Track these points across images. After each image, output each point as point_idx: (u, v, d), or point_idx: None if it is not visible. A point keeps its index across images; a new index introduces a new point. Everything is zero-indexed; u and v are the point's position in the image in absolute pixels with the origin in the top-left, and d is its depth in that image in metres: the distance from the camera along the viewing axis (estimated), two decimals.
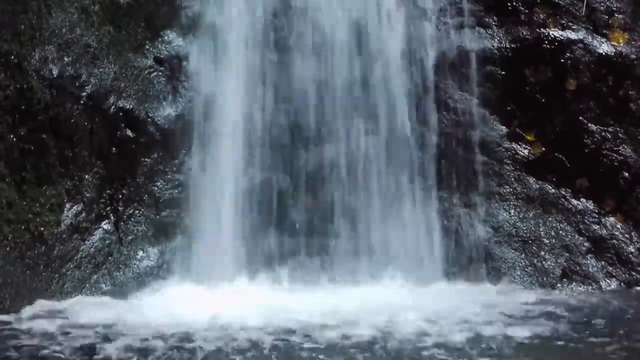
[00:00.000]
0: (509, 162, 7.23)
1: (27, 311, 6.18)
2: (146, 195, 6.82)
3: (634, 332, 5.89)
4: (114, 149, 6.75)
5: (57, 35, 6.62)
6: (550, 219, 7.19)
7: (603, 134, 7.20)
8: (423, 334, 5.72)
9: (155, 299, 6.46)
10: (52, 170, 6.54)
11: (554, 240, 7.15)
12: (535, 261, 7.10)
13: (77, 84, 6.66)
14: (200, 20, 6.92)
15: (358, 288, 6.68)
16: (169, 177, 6.88)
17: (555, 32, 7.23)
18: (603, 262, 7.11)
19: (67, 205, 6.60)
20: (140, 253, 6.76)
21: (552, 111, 7.21)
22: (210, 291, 6.49)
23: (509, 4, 7.27)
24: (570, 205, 7.20)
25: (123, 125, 6.78)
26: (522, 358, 5.42)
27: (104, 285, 6.61)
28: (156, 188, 6.85)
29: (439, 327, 5.86)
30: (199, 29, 6.92)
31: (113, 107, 6.76)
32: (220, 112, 6.84)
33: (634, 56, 7.23)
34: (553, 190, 7.22)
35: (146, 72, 6.89)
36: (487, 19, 7.28)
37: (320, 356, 5.38)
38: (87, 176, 6.67)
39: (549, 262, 7.10)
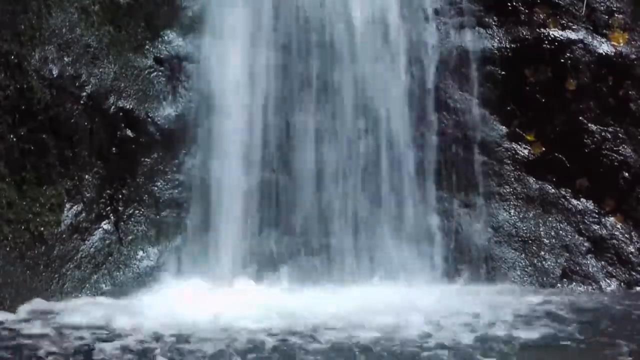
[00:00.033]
0: (509, 162, 7.23)
1: (24, 310, 6.17)
2: (146, 195, 6.82)
3: (639, 333, 5.90)
4: (114, 149, 6.75)
5: (57, 35, 6.62)
6: (550, 219, 7.19)
7: (603, 134, 7.20)
8: (426, 335, 5.72)
9: (155, 299, 6.46)
10: (52, 170, 6.54)
11: (554, 240, 7.15)
12: (535, 261, 7.11)
13: (77, 84, 6.66)
14: (201, 20, 6.91)
15: (358, 288, 6.68)
16: (169, 177, 6.87)
17: (555, 32, 7.23)
18: (603, 262, 7.11)
19: (67, 205, 6.59)
20: (140, 253, 6.76)
21: (552, 111, 7.21)
22: (211, 291, 6.49)
23: (509, 4, 7.27)
24: (570, 205, 7.21)
25: (123, 125, 6.78)
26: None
27: (104, 285, 6.61)
28: (156, 188, 6.85)
29: (442, 328, 5.86)
30: (199, 29, 6.91)
31: (113, 107, 6.76)
32: (221, 112, 6.83)
33: (634, 56, 7.22)
34: (553, 190, 7.22)
35: (146, 72, 6.89)
36: (487, 19, 7.28)
37: (323, 357, 5.38)
38: (87, 176, 6.67)
39: (549, 262, 7.10)
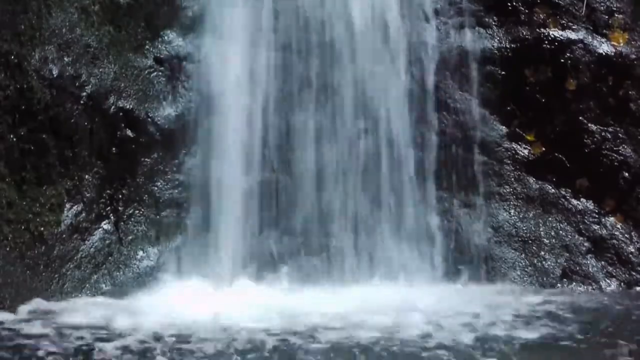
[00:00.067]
0: (509, 162, 7.23)
1: (24, 310, 6.17)
2: (146, 195, 6.82)
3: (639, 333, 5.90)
4: (114, 149, 6.75)
5: (57, 35, 6.62)
6: (550, 219, 7.19)
7: (603, 134, 7.20)
8: (426, 335, 5.70)
9: (155, 299, 6.45)
10: (52, 170, 6.54)
11: (554, 240, 7.15)
12: (535, 261, 7.11)
13: (77, 84, 6.65)
14: (201, 20, 6.91)
15: (358, 288, 6.68)
16: (169, 177, 6.87)
17: (555, 32, 7.23)
18: (603, 262, 7.11)
19: (67, 205, 6.59)
20: (140, 253, 6.75)
21: (552, 111, 7.21)
22: (211, 291, 6.49)
23: (509, 4, 7.27)
24: (570, 205, 7.21)
25: (123, 125, 6.78)
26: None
27: (104, 285, 6.61)
28: (156, 188, 6.85)
29: (442, 328, 5.85)
30: (199, 29, 6.91)
31: (113, 107, 6.76)
32: (221, 112, 6.83)
33: (634, 56, 7.22)
34: (553, 190, 7.22)
35: (146, 72, 6.89)
36: (487, 19, 7.28)
37: (323, 357, 5.37)
38: (87, 176, 6.66)
39: (549, 262, 7.10)
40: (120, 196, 6.75)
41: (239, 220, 6.79)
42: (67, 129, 6.58)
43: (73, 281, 6.51)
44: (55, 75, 6.57)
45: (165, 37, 6.94)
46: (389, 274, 6.83)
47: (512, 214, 7.18)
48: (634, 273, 7.07)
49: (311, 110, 6.96)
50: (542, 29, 7.23)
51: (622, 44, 7.22)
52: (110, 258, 6.66)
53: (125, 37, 6.85)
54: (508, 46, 7.25)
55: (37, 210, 6.46)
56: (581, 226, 7.17)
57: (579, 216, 7.18)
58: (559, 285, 7.03)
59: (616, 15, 7.26)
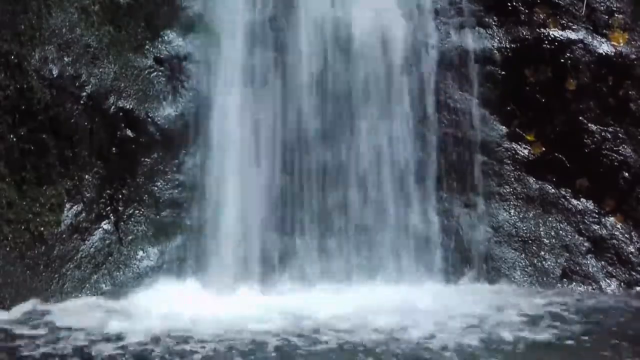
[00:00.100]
0: (509, 162, 7.23)
1: (23, 311, 6.17)
2: (146, 195, 6.82)
3: None
4: (114, 149, 6.75)
5: (57, 35, 6.62)
6: (550, 219, 7.19)
7: (603, 134, 7.20)
8: (429, 336, 5.71)
9: (155, 299, 6.45)
10: (52, 170, 6.54)
11: (554, 240, 7.15)
12: (535, 261, 7.11)
13: (77, 84, 6.66)
14: (201, 20, 6.91)
15: (359, 288, 6.67)
16: (169, 177, 6.87)
17: (555, 32, 7.23)
18: (603, 262, 7.11)
19: (67, 205, 6.60)
20: (140, 253, 6.76)
21: (552, 111, 7.21)
22: (211, 292, 6.48)
23: (509, 4, 7.27)
24: (570, 205, 7.21)
25: (123, 125, 6.78)
26: None
27: (104, 285, 6.61)
28: (156, 188, 6.85)
29: (445, 329, 5.86)
30: (199, 28, 6.91)
31: (113, 107, 6.76)
32: (221, 112, 6.83)
33: (634, 56, 7.22)
34: (553, 190, 7.22)
35: (146, 72, 6.89)
36: (487, 19, 7.28)
37: (325, 359, 5.37)
38: (87, 176, 6.67)
39: (549, 262, 7.10)
40: (120, 196, 6.75)
41: (239, 220, 6.79)
42: (67, 129, 6.58)
43: (73, 281, 6.51)
44: (55, 75, 6.57)
45: (165, 37, 6.94)
46: (390, 275, 6.83)
47: (512, 214, 7.18)
48: (634, 273, 7.07)
49: (311, 110, 6.95)
50: (542, 29, 7.23)
51: (622, 44, 7.22)
52: (110, 258, 6.66)
53: (125, 37, 6.85)
54: (508, 46, 7.25)
55: (37, 210, 6.46)
56: (581, 226, 7.17)
57: (579, 216, 7.18)
58: (559, 285, 7.03)
59: (616, 15, 7.26)
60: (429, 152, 7.12)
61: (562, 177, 7.21)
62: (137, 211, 6.79)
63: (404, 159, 7.05)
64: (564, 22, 7.25)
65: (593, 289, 7.01)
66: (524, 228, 7.17)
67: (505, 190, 7.22)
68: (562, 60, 7.20)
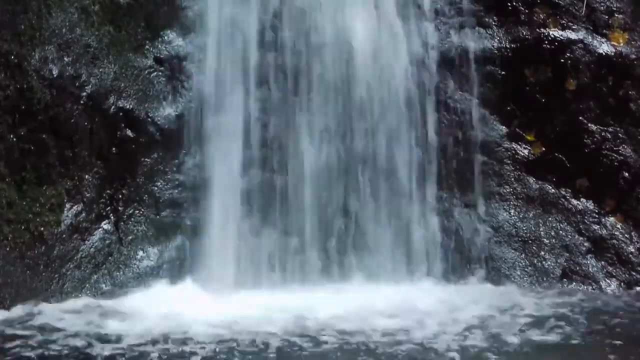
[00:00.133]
0: (509, 162, 7.23)
1: (22, 311, 6.17)
2: (146, 195, 6.82)
3: None
4: (114, 149, 6.75)
5: (57, 35, 6.62)
6: (550, 219, 7.19)
7: (603, 134, 7.20)
8: (434, 337, 5.70)
9: (155, 299, 6.45)
10: (52, 170, 6.54)
11: (554, 240, 7.15)
12: (535, 261, 7.10)
13: (77, 84, 6.66)
14: (201, 20, 6.91)
15: (359, 288, 6.67)
16: (169, 177, 6.88)
17: (555, 32, 7.23)
18: (603, 262, 7.10)
19: (67, 205, 6.60)
20: (140, 253, 6.76)
21: (552, 111, 7.21)
22: (211, 292, 6.47)
23: (509, 4, 7.27)
24: (570, 205, 7.20)
25: (123, 125, 6.78)
26: None
27: (104, 285, 6.61)
28: (156, 188, 6.85)
29: (449, 329, 5.85)
30: (199, 28, 6.91)
31: (113, 107, 6.76)
32: (221, 112, 6.83)
33: (634, 56, 7.22)
34: (553, 190, 7.22)
35: (146, 72, 6.89)
36: (487, 19, 7.28)
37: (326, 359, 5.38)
38: (87, 176, 6.67)
39: (549, 262, 7.10)
40: (120, 196, 6.75)
41: (239, 220, 6.79)
42: (67, 129, 6.58)
43: (73, 281, 6.51)
44: (55, 75, 6.57)
45: (165, 37, 6.95)
46: (390, 275, 6.82)
47: (512, 214, 7.18)
48: (634, 273, 7.07)
49: (311, 110, 6.95)
50: (542, 29, 7.23)
51: (622, 44, 7.22)
52: (110, 258, 6.66)
53: (125, 37, 6.85)
54: (508, 46, 7.25)
55: (37, 210, 6.46)
56: (581, 226, 7.17)
57: (579, 216, 7.18)
58: (559, 285, 7.03)
59: (616, 15, 7.26)
60: (429, 152, 7.11)
61: (562, 177, 7.21)
62: (137, 211, 6.79)
63: (404, 159, 7.04)
64: (564, 22, 7.25)
65: (593, 289, 7.01)
66: (524, 228, 7.17)
67: (505, 190, 7.21)
68: (562, 60, 7.20)
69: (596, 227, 7.17)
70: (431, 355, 5.44)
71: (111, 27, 6.80)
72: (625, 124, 7.22)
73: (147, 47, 6.91)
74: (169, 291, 6.57)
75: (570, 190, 7.21)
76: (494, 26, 7.28)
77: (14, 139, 6.44)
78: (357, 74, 6.98)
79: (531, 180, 7.23)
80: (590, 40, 7.24)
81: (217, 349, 5.48)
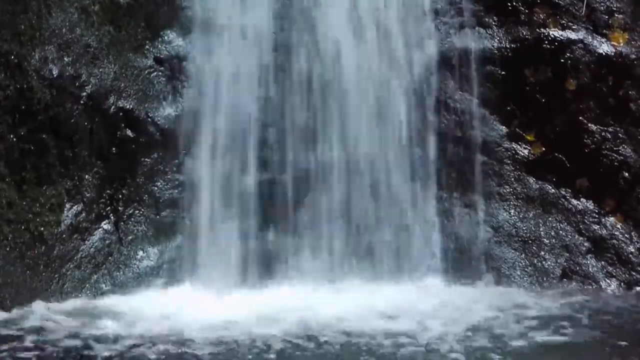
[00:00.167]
0: (509, 162, 7.23)
1: (21, 311, 6.17)
2: (146, 195, 6.82)
3: None
4: (114, 149, 6.75)
5: (57, 35, 6.62)
6: (550, 219, 7.19)
7: (603, 134, 7.20)
8: (438, 338, 5.69)
9: (155, 299, 6.46)
10: (52, 170, 6.54)
11: (554, 240, 7.15)
12: (535, 261, 7.10)
13: (77, 84, 6.66)
14: (201, 20, 6.91)
15: (359, 289, 6.67)
16: (169, 177, 6.88)
17: (555, 32, 7.23)
18: (603, 262, 7.10)
19: (67, 205, 6.60)
20: (140, 253, 6.76)
21: (552, 111, 7.21)
22: (211, 292, 6.48)
23: (509, 4, 7.27)
24: (570, 205, 7.20)
25: (123, 125, 6.78)
26: None
27: (104, 285, 6.61)
28: (156, 188, 6.85)
29: (452, 330, 5.84)
30: (199, 28, 6.91)
31: (113, 107, 6.76)
32: (221, 112, 6.83)
33: (634, 56, 7.22)
34: (553, 190, 7.22)
35: (146, 72, 6.89)
36: (487, 19, 7.28)
37: None
38: (87, 176, 6.67)
39: (549, 262, 7.11)
40: (120, 196, 6.76)
41: (239, 220, 6.79)
42: (67, 129, 6.58)
43: (73, 281, 6.51)
44: (55, 75, 6.57)
45: (165, 37, 6.94)
46: (390, 275, 6.82)
47: (512, 214, 7.18)
48: (634, 273, 7.07)
49: (311, 110, 6.95)
50: (542, 29, 7.23)
51: (622, 44, 7.22)
52: (110, 258, 6.66)
53: (125, 37, 6.85)
54: (508, 46, 7.25)
55: (37, 210, 6.46)
56: (581, 226, 7.17)
57: (579, 216, 7.18)
58: (559, 285, 7.03)
59: (616, 15, 7.26)
60: (429, 152, 7.12)
61: (562, 177, 7.21)
62: (137, 211, 6.79)
63: (404, 159, 7.04)
64: (564, 22, 7.25)
65: (593, 289, 7.01)
66: (524, 228, 7.17)
67: (505, 190, 7.21)
68: (562, 60, 7.20)
69: (596, 227, 7.17)
70: (437, 357, 5.43)
71: (111, 27, 6.80)
72: (625, 124, 7.22)
73: (147, 47, 6.91)
74: (169, 291, 6.57)
75: (570, 190, 7.21)
76: (494, 26, 7.28)
77: (14, 139, 6.44)
78: (357, 74, 6.98)
79: (531, 180, 7.23)
80: (590, 40, 7.24)
81: (217, 350, 5.48)
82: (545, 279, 7.06)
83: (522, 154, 7.23)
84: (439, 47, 7.19)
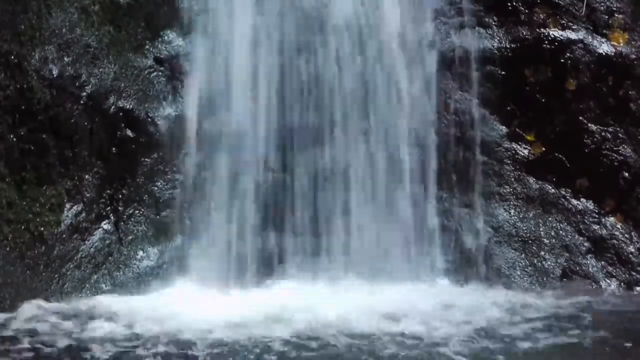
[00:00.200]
0: (509, 162, 7.23)
1: (20, 311, 6.16)
2: (146, 195, 6.82)
3: None
4: (114, 149, 6.75)
5: (57, 35, 6.62)
6: (550, 219, 7.19)
7: (603, 134, 7.20)
8: (442, 339, 5.69)
9: (155, 299, 6.45)
10: (52, 170, 6.54)
11: (554, 240, 7.15)
12: (535, 261, 7.11)
13: (77, 84, 6.66)
14: (201, 20, 6.91)
15: (359, 289, 6.67)
16: (169, 177, 6.87)
17: (555, 32, 7.23)
18: (603, 262, 7.11)
19: (67, 205, 6.60)
20: (140, 253, 6.76)
21: (552, 111, 7.21)
22: (211, 292, 6.48)
23: (509, 4, 7.27)
24: (570, 205, 7.21)
25: (123, 125, 6.78)
26: None
27: (104, 285, 6.61)
28: (156, 188, 6.85)
29: (456, 331, 5.84)
30: (199, 28, 6.91)
31: (113, 107, 6.76)
32: (221, 112, 6.83)
33: (634, 56, 7.22)
34: (553, 190, 7.22)
35: (146, 72, 6.89)
36: (487, 19, 7.27)
37: None
38: (87, 176, 6.67)
39: (549, 262, 7.11)
40: (120, 196, 6.75)
41: (239, 220, 6.79)
42: (67, 129, 6.58)
43: (73, 281, 6.51)
44: (55, 75, 6.57)
45: (165, 37, 6.94)
46: (390, 275, 6.82)
47: (512, 214, 7.18)
48: (634, 273, 7.07)
49: (311, 110, 6.95)
50: (542, 29, 7.23)
51: (622, 44, 7.22)
52: (110, 258, 6.66)
53: (125, 37, 6.84)
54: (508, 46, 7.25)
55: (37, 210, 6.46)
56: (581, 226, 7.17)
57: (579, 216, 7.18)
58: (559, 285, 7.03)
59: (616, 15, 7.26)
60: (429, 152, 7.11)
61: (562, 177, 7.21)
62: (137, 211, 6.79)
63: (404, 159, 7.04)
64: (564, 22, 7.25)
65: (593, 289, 7.02)
66: (524, 228, 7.17)
67: (505, 190, 7.21)
68: (562, 60, 7.20)
69: (596, 227, 7.17)
70: (440, 358, 5.44)
71: (111, 27, 6.80)
72: (625, 124, 7.22)
73: (147, 47, 6.90)
74: (169, 291, 6.57)
75: (570, 190, 7.22)
76: (494, 26, 7.28)
77: (14, 139, 6.43)
78: (357, 74, 6.98)
79: (531, 180, 7.23)
80: (590, 40, 7.24)
81: (217, 351, 5.48)
82: (545, 279, 7.06)
83: (522, 154, 7.23)
84: (439, 47, 7.19)
